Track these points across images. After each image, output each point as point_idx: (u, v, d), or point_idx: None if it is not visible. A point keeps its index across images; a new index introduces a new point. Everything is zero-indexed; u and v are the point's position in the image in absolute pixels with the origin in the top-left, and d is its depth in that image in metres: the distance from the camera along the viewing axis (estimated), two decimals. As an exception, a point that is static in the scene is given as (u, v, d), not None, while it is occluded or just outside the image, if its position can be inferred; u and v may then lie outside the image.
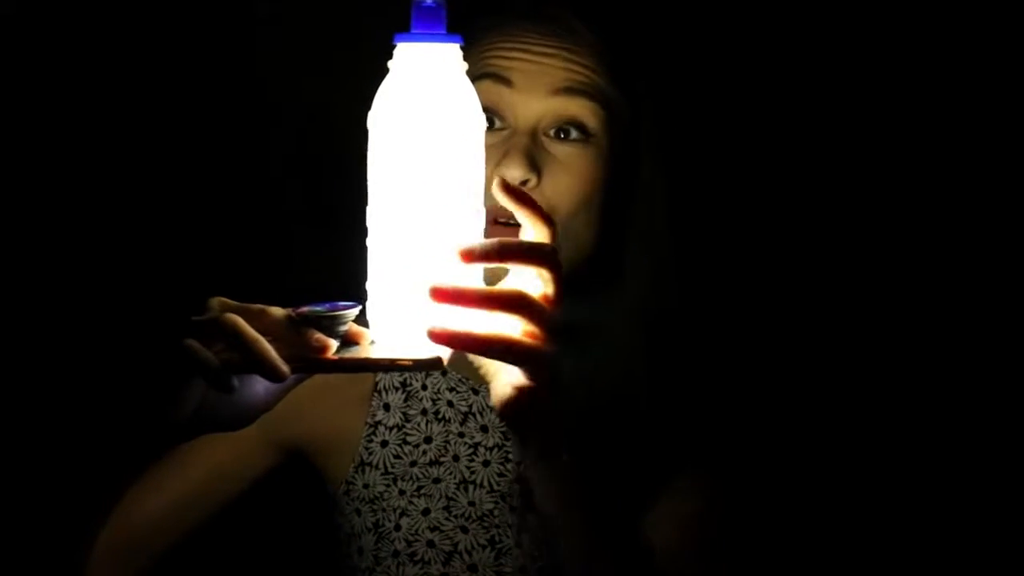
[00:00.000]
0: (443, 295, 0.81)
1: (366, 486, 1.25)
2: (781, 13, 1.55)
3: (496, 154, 1.12)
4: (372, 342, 0.86)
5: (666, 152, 1.21)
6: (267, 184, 1.58)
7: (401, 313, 0.84)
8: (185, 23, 1.53)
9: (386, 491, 1.25)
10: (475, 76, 1.14)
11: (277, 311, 0.85)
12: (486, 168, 1.07)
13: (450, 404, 1.25)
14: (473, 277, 0.84)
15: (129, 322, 1.47)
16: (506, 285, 0.87)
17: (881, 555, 1.56)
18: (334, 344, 0.84)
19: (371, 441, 1.27)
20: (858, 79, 1.56)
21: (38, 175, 1.52)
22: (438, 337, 0.81)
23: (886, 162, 1.57)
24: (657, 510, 1.15)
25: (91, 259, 1.53)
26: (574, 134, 1.14)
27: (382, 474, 1.25)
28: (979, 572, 1.54)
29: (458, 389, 1.26)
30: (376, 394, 1.28)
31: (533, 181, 1.12)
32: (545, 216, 0.86)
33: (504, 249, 0.83)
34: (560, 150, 1.14)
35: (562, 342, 0.86)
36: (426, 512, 1.23)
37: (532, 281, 0.84)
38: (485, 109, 1.11)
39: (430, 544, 1.23)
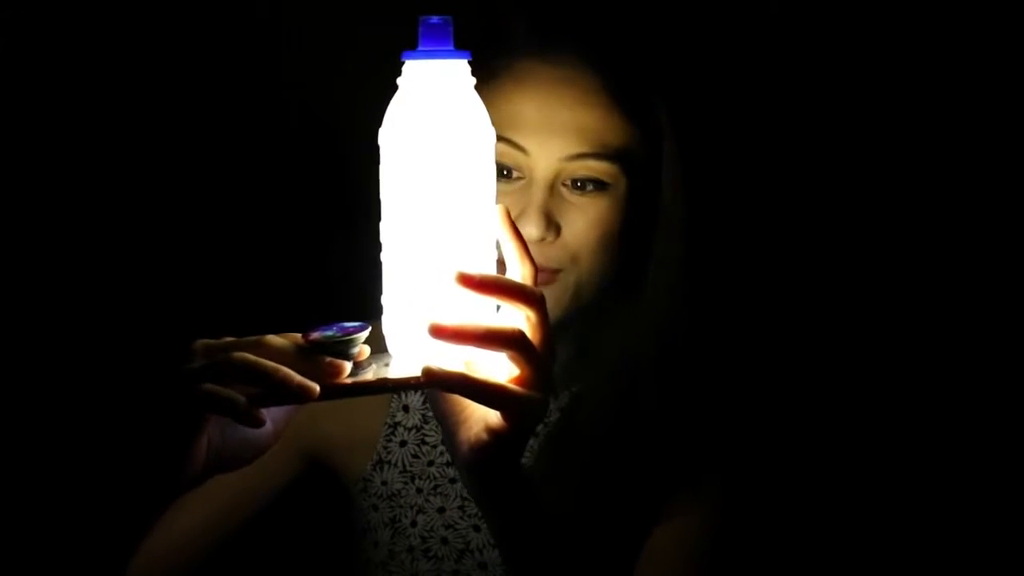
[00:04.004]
0: (442, 332, 0.80)
1: (384, 483, 1.28)
2: (792, 29, 1.55)
3: (513, 207, 1.13)
4: (386, 364, 0.86)
5: (684, 179, 1.22)
6: (278, 198, 1.57)
7: (416, 328, 0.84)
8: (197, 35, 1.52)
9: (403, 488, 1.27)
10: None
11: (274, 339, 0.84)
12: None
13: None
14: (482, 304, 0.84)
15: (125, 372, 1.42)
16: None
17: (890, 561, 1.58)
18: (348, 366, 0.83)
19: (390, 440, 1.29)
20: (868, 98, 1.56)
21: (42, 185, 1.50)
22: (432, 375, 0.80)
23: (898, 179, 1.57)
24: (663, 520, 1.19)
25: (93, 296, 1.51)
26: (591, 187, 1.16)
27: (400, 472, 1.28)
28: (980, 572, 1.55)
29: None
30: (395, 396, 1.30)
31: (551, 238, 1.15)
32: (531, 258, 0.86)
33: (498, 284, 0.82)
34: (578, 200, 1.16)
35: (548, 392, 0.84)
36: (441, 510, 1.26)
37: (520, 324, 0.84)
38: (499, 164, 1.12)
39: (444, 541, 1.25)
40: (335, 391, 0.82)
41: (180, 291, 1.53)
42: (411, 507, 1.27)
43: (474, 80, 0.86)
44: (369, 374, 0.84)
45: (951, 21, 1.52)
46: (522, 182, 1.16)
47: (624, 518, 1.20)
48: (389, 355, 0.87)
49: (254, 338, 0.84)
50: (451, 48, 0.84)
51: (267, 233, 1.58)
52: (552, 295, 1.14)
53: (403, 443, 1.29)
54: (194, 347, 0.84)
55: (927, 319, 1.57)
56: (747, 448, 1.26)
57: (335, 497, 1.32)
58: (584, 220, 1.16)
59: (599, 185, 1.16)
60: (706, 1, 1.55)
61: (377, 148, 0.85)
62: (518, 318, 0.84)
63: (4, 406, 1.47)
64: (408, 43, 0.85)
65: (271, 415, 0.89)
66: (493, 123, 1.13)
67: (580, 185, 1.16)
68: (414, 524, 1.26)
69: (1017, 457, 1.54)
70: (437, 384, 0.81)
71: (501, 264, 0.87)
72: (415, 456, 1.28)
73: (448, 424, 0.89)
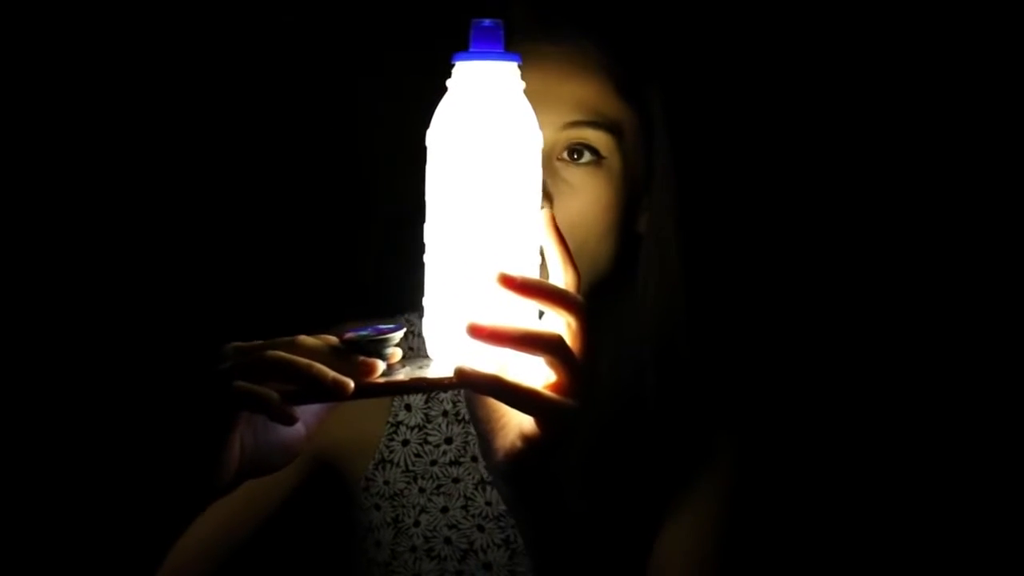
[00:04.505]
0: (480, 332, 0.80)
1: (386, 483, 1.27)
2: (787, 22, 1.56)
3: None
4: (420, 367, 0.86)
5: (676, 164, 1.22)
6: (322, 197, 1.56)
7: (455, 329, 0.84)
8: (224, 35, 1.51)
9: (406, 488, 1.26)
10: None
11: (307, 339, 0.84)
12: None
13: None
14: (524, 309, 0.84)
15: (160, 373, 1.41)
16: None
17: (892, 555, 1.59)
18: (382, 365, 0.83)
19: (392, 440, 1.28)
20: (861, 87, 1.57)
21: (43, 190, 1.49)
22: (465, 376, 0.80)
23: (891, 167, 1.59)
24: (671, 514, 1.19)
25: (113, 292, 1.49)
26: (587, 156, 1.14)
27: (403, 472, 1.27)
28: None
29: None
30: (397, 396, 1.29)
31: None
32: (574, 265, 0.86)
33: (539, 288, 0.82)
34: (573, 174, 1.14)
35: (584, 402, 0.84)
36: (444, 510, 1.25)
37: (561, 330, 0.83)
38: None
39: (447, 541, 1.25)
40: (368, 390, 0.82)
41: (214, 295, 1.51)
42: (414, 507, 1.26)
43: (523, 84, 0.86)
44: (402, 375, 0.84)
45: (947, 14, 1.54)
46: None
47: (630, 514, 1.20)
48: (425, 359, 0.87)
49: (287, 339, 0.84)
50: (502, 50, 0.84)
51: (300, 235, 1.56)
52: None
53: (405, 442, 1.27)
54: (226, 349, 0.84)
55: (925, 310, 1.58)
56: (751, 434, 1.26)
57: (336, 497, 1.30)
58: (578, 197, 1.13)
59: (594, 155, 1.14)
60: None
61: (424, 149, 0.85)
62: (558, 324, 0.84)
63: (38, 409, 1.45)
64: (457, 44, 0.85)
65: (302, 418, 0.88)
66: None
67: (575, 156, 1.14)
68: (417, 524, 1.25)
69: (1018, 453, 1.56)
70: (470, 384, 0.81)
71: (544, 271, 0.87)
72: (417, 455, 1.27)
73: (483, 430, 0.88)
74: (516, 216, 0.85)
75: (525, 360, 0.83)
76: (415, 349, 1.11)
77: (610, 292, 1.20)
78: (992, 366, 1.57)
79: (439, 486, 1.26)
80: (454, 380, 0.81)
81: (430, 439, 1.28)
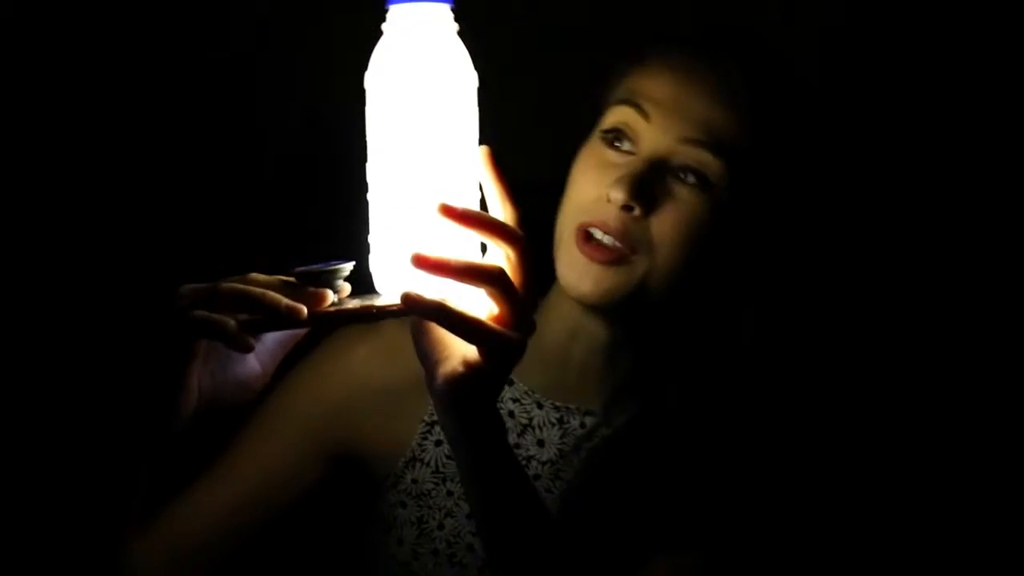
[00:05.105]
0: (424, 263, 0.82)
1: (415, 481, 1.26)
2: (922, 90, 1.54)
3: (613, 173, 1.13)
4: (371, 300, 0.88)
5: (783, 216, 1.21)
6: (265, 146, 1.58)
7: (401, 263, 0.86)
8: None
9: (434, 489, 1.25)
10: (619, 98, 1.17)
11: (258, 276, 0.87)
12: (605, 184, 1.12)
13: (511, 415, 1.25)
14: (467, 243, 0.86)
15: (118, 312, 1.43)
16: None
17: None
18: (331, 296, 0.86)
19: (426, 439, 1.27)
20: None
21: (26, 171, 1.53)
22: (411, 301, 0.82)
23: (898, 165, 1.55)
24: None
25: (79, 254, 1.52)
26: (692, 179, 1.14)
27: (432, 472, 1.26)
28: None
29: (522, 401, 1.26)
30: None
31: (637, 211, 1.12)
32: (514, 202, 0.87)
33: (478, 218, 0.84)
34: (677, 190, 1.14)
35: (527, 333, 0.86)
36: (470, 516, 1.23)
37: (501, 263, 0.85)
38: (616, 129, 1.15)
39: (470, 548, 1.23)
40: (320, 318, 0.85)
41: (168, 240, 1.55)
42: (439, 509, 1.25)
43: (457, 26, 0.89)
44: (352, 305, 0.87)
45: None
46: (631, 157, 1.15)
47: (640, 527, 1.17)
48: (374, 294, 0.89)
49: (240, 276, 0.88)
50: (434, -7, 0.88)
51: (251, 182, 1.58)
52: (618, 277, 1.13)
53: (438, 443, 1.26)
54: (181, 289, 0.88)
55: (935, 307, 1.53)
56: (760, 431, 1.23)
57: (361, 491, 1.31)
58: (675, 211, 1.13)
59: (702, 181, 1.13)
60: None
61: (362, 93, 0.89)
62: (499, 258, 0.86)
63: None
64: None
65: (259, 358, 0.92)
66: (625, 95, 1.16)
67: (684, 175, 1.14)
68: (441, 527, 1.24)
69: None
70: (416, 308, 0.83)
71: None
72: (449, 458, 1.26)
73: (429, 363, 0.90)
74: (454, 152, 0.87)
75: (469, 293, 0.85)
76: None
77: (678, 320, 1.20)
78: (999, 363, 1.51)
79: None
80: (401, 307, 0.83)
81: None
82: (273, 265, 0.89)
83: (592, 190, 1.14)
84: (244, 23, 1.54)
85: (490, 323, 0.84)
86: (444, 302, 0.83)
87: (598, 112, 1.20)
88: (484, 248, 0.88)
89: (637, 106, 1.15)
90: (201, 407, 0.89)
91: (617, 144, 1.16)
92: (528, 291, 0.85)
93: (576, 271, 1.14)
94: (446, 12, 0.88)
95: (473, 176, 0.89)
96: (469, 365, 0.86)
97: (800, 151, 1.23)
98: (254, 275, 0.88)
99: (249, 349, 0.86)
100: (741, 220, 1.17)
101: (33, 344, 1.47)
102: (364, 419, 1.28)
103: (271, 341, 0.93)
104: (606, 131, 1.17)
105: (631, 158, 1.15)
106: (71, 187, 1.51)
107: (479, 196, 0.89)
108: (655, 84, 1.16)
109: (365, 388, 1.27)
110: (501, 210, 0.87)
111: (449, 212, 0.84)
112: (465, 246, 0.87)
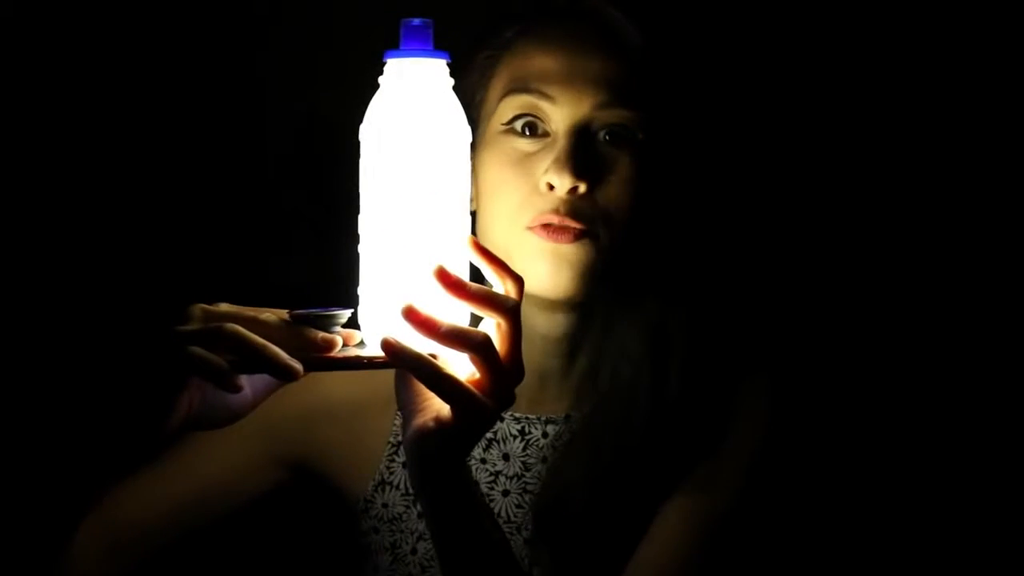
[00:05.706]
0: (414, 317, 0.84)
1: (385, 505, 1.25)
2: (811, 24, 1.54)
3: (541, 161, 1.12)
4: (361, 342, 0.90)
5: (695, 157, 1.23)
6: (262, 188, 1.55)
7: (390, 318, 0.87)
8: (185, 24, 1.51)
9: (405, 512, 1.24)
10: (508, 89, 1.15)
11: (270, 316, 0.88)
12: (534, 175, 1.11)
13: None
14: (456, 311, 0.87)
15: (120, 326, 1.42)
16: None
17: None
18: (340, 342, 0.87)
19: (393, 461, 1.25)
20: (873, 86, 1.55)
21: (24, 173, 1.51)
22: (391, 348, 0.84)
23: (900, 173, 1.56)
24: (666, 506, 1.15)
25: (80, 258, 1.50)
26: (616, 139, 1.13)
27: (402, 495, 1.24)
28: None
29: None
30: (399, 414, 1.29)
31: (583, 187, 1.10)
32: (512, 273, 0.89)
33: (471, 290, 0.86)
34: (607, 152, 1.13)
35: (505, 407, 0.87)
36: None
37: (491, 331, 0.87)
38: (524, 116, 1.14)
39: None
40: (310, 364, 0.86)
41: (168, 240, 1.53)
42: (412, 533, 1.23)
43: (452, 81, 0.89)
44: (341, 353, 0.88)
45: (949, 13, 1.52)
46: (548, 139, 1.13)
47: (638, 508, 1.16)
48: (362, 346, 0.90)
49: (252, 313, 0.88)
50: (431, 49, 0.88)
51: (251, 181, 1.58)
52: (584, 257, 1.11)
53: (405, 464, 1.25)
54: (190, 310, 0.88)
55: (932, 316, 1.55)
56: (770, 432, 1.21)
57: (337, 518, 1.31)
58: (616, 175, 1.12)
59: (626, 136, 1.13)
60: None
61: (358, 144, 0.89)
62: (489, 325, 0.87)
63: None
64: (392, 43, 0.89)
65: (252, 386, 0.92)
66: (515, 84, 1.14)
67: (607, 137, 1.13)
68: (414, 552, 1.23)
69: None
70: (396, 357, 0.84)
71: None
72: None
73: (405, 413, 0.92)
74: (446, 208, 0.88)
75: (454, 353, 0.86)
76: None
77: (635, 286, 1.19)
78: (997, 354, 1.53)
79: None
80: (385, 358, 0.85)
81: None
82: (273, 266, 0.90)
83: (523, 184, 1.12)
84: (244, 23, 1.53)
85: (467, 385, 0.86)
86: (422, 356, 0.84)
87: (476, 111, 1.18)
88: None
89: (535, 91, 1.13)
90: (186, 426, 0.89)
91: (530, 132, 1.14)
92: (513, 363, 0.87)
93: (548, 262, 1.11)
94: (443, 67, 0.88)
95: (463, 233, 0.90)
96: (440, 422, 0.88)
97: (694, 78, 1.25)
98: (265, 316, 0.88)
99: (238, 390, 0.87)
100: (667, 162, 1.18)
101: (30, 342, 1.47)
102: (327, 432, 1.27)
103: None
104: (508, 123, 1.15)
105: (547, 140, 1.14)
106: (71, 187, 1.50)
107: (468, 255, 0.90)
108: (541, 63, 1.14)
109: (327, 399, 1.26)
110: (502, 284, 0.89)
111: (444, 278, 0.85)
112: (455, 312, 0.88)
